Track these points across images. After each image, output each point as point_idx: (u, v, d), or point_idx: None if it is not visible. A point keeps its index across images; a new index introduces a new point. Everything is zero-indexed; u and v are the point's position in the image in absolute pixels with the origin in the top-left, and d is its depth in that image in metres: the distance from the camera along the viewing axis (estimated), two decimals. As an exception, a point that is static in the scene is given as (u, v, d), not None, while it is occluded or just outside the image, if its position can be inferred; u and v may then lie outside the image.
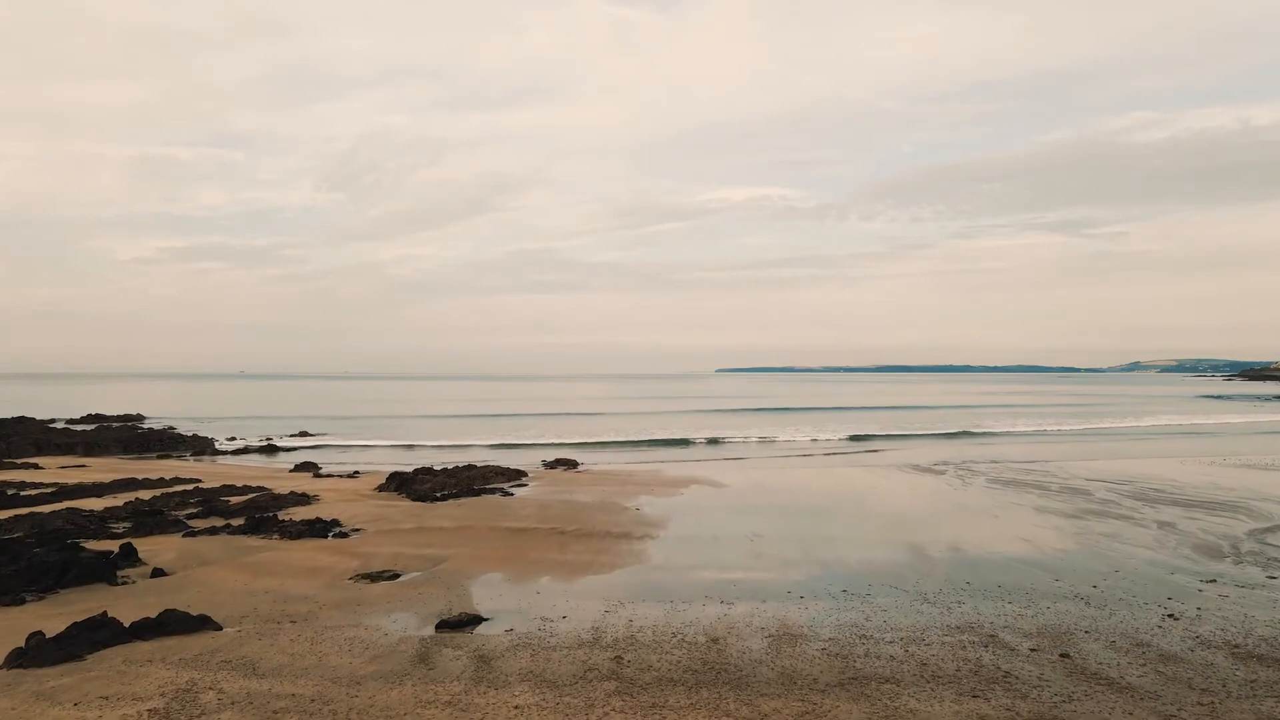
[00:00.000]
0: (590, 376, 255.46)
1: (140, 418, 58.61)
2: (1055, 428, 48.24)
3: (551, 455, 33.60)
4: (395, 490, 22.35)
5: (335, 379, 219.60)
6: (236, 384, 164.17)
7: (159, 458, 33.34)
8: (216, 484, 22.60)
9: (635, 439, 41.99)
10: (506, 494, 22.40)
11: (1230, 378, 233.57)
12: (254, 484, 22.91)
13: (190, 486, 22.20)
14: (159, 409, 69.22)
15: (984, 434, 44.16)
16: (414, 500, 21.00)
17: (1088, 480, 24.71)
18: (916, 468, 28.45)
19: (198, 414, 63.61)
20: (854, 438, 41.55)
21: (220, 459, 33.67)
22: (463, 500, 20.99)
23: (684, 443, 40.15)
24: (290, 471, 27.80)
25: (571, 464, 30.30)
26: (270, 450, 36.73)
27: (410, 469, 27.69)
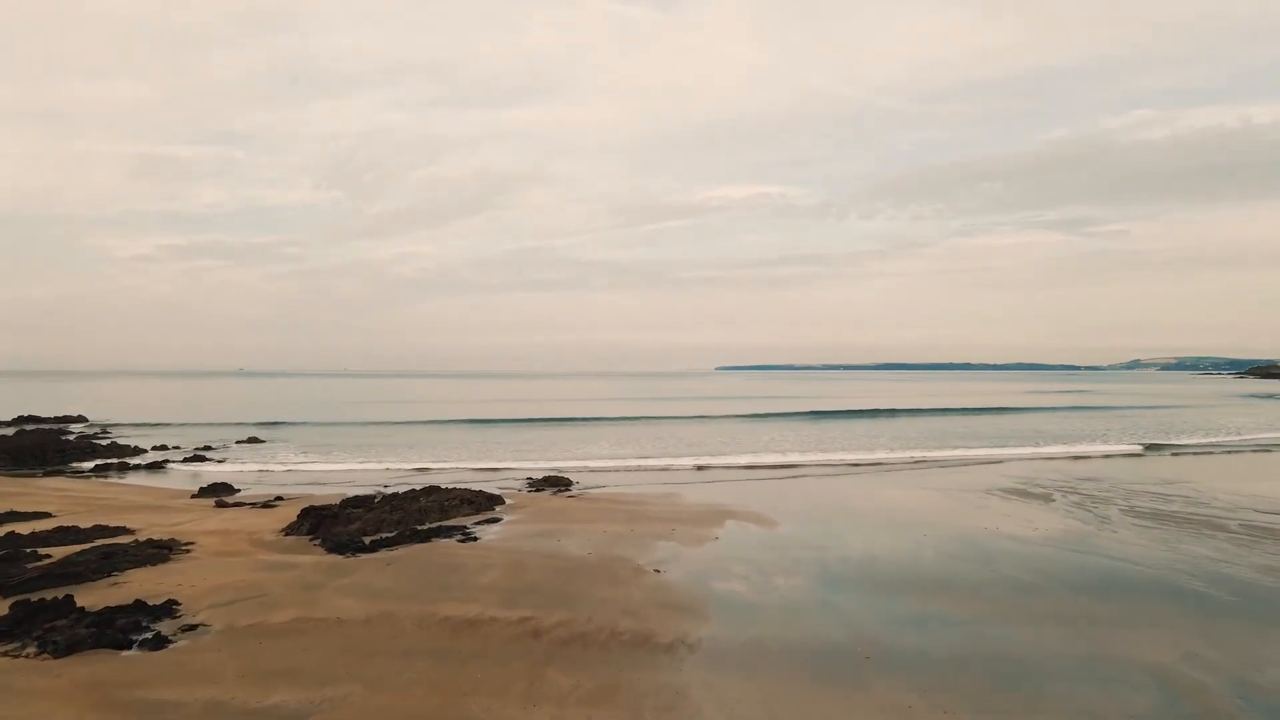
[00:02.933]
0: (590, 375, 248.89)
1: (80, 419, 51.93)
2: (1153, 443, 41.56)
3: (541, 469, 27.01)
4: (308, 534, 15.66)
5: (333, 377, 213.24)
6: (227, 382, 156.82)
7: (46, 474, 26.64)
8: (54, 525, 15.90)
9: (643, 450, 35.43)
10: (468, 537, 15.76)
11: (1241, 375, 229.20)
12: (114, 523, 16.22)
13: (10, 529, 15.48)
14: (116, 410, 62.36)
15: (1057, 443, 37.47)
16: (328, 551, 14.35)
17: (1266, 514, 18.12)
18: (1012, 492, 21.83)
19: (157, 416, 56.81)
20: (901, 449, 34.94)
21: (126, 476, 26.96)
22: (399, 551, 14.34)
23: (702, 456, 33.53)
24: (192, 497, 21.13)
25: (564, 484, 23.68)
26: (196, 462, 30.05)
27: (350, 494, 21.16)
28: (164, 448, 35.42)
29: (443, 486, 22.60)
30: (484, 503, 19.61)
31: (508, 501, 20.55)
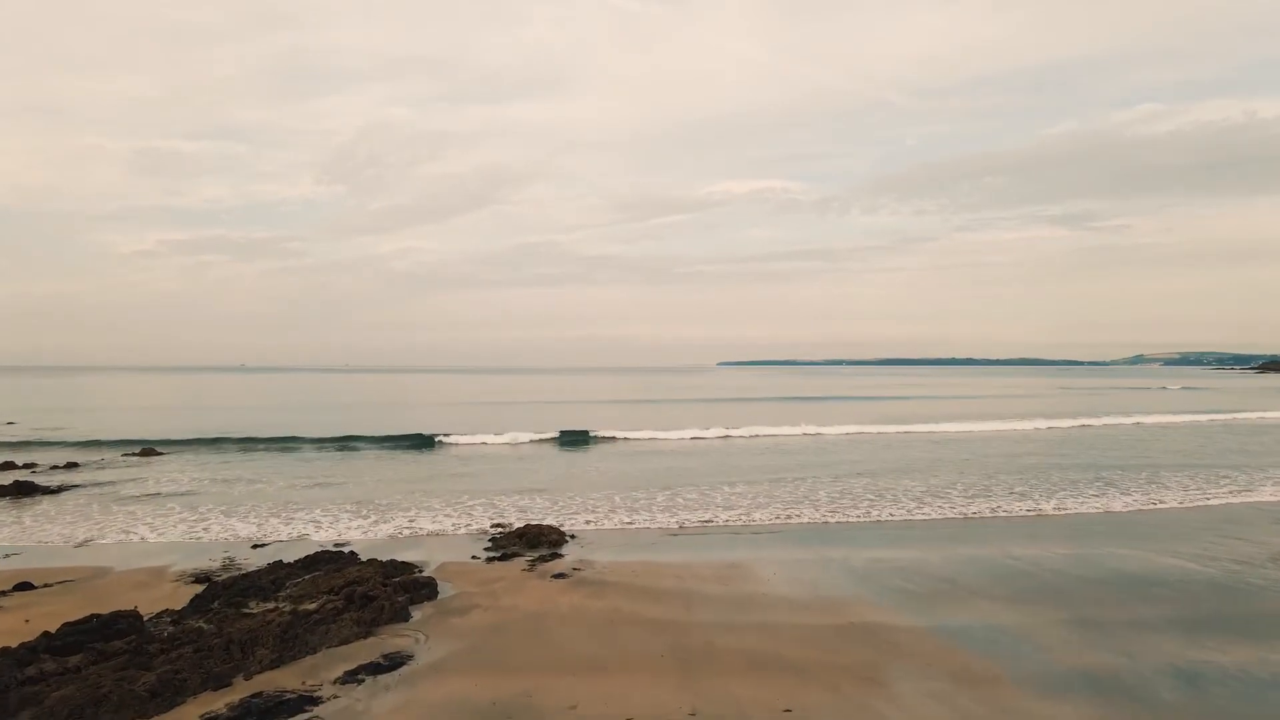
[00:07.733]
0: (590, 370, 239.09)
1: (-21, 425, 42.54)
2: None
3: (515, 513, 17.61)
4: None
5: (332, 372, 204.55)
6: (220, 379, 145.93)
7: None
8: None
9: (665, 477, 26.17)
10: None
11: (1259, 369, 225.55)
12: None
13: None
14: (43, 413, 52.85)
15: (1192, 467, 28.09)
16: None
17: None
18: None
19: (80, 419, 47.36)
20: (1016, 488, 25.72)
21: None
22: None
23: (743, 486, 24.23)
24: None
25: (550, 545, 14.28)
26: (11, 494, 20.53)
27: (178, 570, 12.00)
28: (11, 466, 26.02)
29: (342, 552, 13.40)
30: (390, 603, 10.15)
31: (442, 592, 11.17)
